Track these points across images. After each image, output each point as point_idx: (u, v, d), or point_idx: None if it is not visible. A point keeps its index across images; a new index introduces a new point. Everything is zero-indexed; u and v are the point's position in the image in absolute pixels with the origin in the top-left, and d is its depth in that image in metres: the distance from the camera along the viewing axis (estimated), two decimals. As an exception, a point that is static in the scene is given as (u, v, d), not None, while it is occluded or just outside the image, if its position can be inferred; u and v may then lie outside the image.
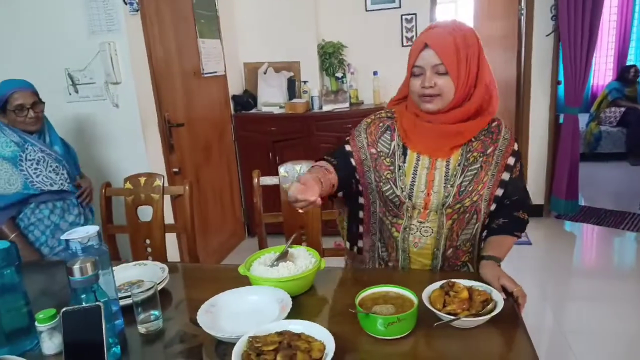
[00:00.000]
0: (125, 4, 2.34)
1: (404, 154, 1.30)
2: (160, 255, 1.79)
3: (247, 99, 3.64)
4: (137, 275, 1.33)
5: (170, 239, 2.57)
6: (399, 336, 0.99)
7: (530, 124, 3.62)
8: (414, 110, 1.29)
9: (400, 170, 1.29)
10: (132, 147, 2.51)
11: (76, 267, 0.91)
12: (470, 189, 1.25)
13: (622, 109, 5.39)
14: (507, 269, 1.20)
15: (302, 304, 1.16)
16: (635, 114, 5.26)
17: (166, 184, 1.89)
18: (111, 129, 2.51)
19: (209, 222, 3.20)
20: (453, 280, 1.11)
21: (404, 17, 3.64)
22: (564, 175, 3.53)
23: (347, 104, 3.50)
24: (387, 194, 1.29)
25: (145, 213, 1.85)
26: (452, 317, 1.00)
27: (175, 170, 2.75)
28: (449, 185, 1.26)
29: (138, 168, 2.13)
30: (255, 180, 1.79)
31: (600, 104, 5.48)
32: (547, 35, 3.43)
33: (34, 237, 1.92)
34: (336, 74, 3.65)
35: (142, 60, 2.50)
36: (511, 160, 1.30)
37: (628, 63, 5.96)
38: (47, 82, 2.22)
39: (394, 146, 1.31)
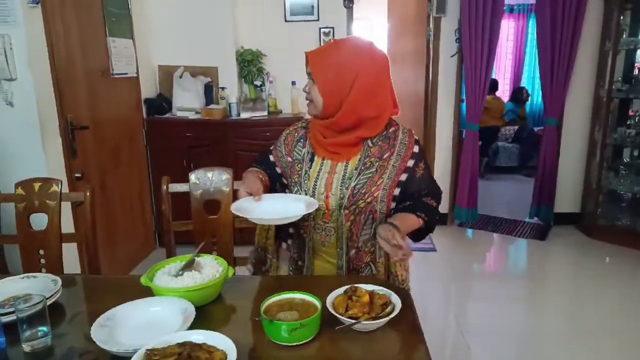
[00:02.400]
0: (24, -6, 2.17)
1: (312, 160, 1.40)
2: (55, 267, 1.66)
3: (161, 103, 3.51)
4: (26, 289, 1.22)
5: (72, 250, 2.40)
6: (303, 342, 1.01)
7: (437, 138, 3.88)
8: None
9: (306, 175, 1.39)
10: (28, 150, 2.30)
11: (-52, 282, 0.83)
12: (363, 191, 1.33)
13: (517, 127, 5.97)
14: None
15: (208, 313, 1.14)
16: (525, 130, 5.86)
17: (67, 190, 1.75)
18: (4, 130, 2.28)
19: (116, 231, 3.02)
20: (356, 285, 1.15)
21: (322, 29, 3.74)
22: (465, 186, 3.82)
23: (265, 113, 3.51)
24: None
25: (41, 221, 1.71)
26: (353, 321, 1.04)
27: (77, 175, 2.56)
28: (344, 188, 1.34)
29: (35, 173, 1.94)
30: (164, 187, 1.73)
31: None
32: (451, 56, 3.71)
33: None
34: (255, 82, 3.65)
35: (42, 56, 2.32)
36: (410, 163, 1.37)
37: (522, 85, 6.60)
38: None
39: (305, 153, 1.42)
